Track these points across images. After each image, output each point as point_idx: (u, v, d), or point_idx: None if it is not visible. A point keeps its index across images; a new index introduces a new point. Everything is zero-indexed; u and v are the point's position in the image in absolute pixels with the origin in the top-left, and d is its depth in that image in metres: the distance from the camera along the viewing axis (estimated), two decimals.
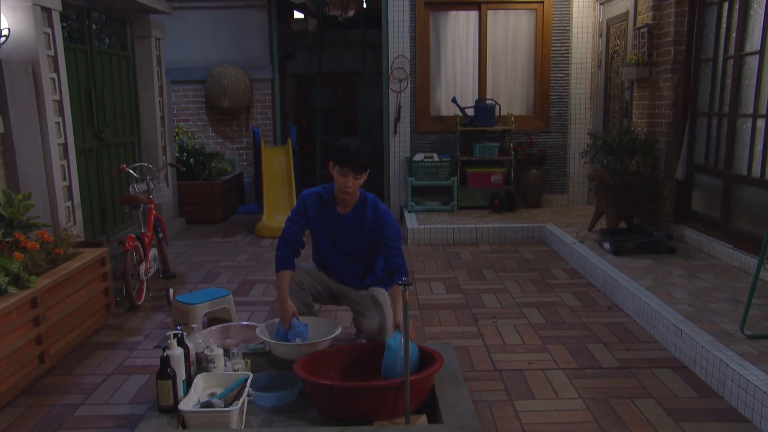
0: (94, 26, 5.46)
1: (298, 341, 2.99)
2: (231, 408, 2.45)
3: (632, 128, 5.78)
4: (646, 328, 3.81)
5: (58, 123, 4.52)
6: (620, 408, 2.88)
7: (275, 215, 6.92)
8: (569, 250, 5.40)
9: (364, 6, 9.92)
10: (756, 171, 4.48)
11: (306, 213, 3.26)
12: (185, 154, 7.60)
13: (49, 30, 4.38)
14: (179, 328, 2.76)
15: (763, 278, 4.08)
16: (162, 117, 6.60)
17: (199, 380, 2.67)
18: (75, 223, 4.68)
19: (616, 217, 5.47)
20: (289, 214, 3.31)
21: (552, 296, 4.51)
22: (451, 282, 4.93)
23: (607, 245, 5.04)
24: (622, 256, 4.89)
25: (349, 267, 3.33)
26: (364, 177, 3.12)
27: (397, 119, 7.28)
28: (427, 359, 2.77)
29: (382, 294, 3.30)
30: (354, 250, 3.29)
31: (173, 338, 2.65)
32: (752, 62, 4.51)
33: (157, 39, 6.47)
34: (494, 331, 3.85)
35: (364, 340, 3.49)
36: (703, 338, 3.24)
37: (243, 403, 2.52)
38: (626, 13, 6.34)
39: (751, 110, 4.52)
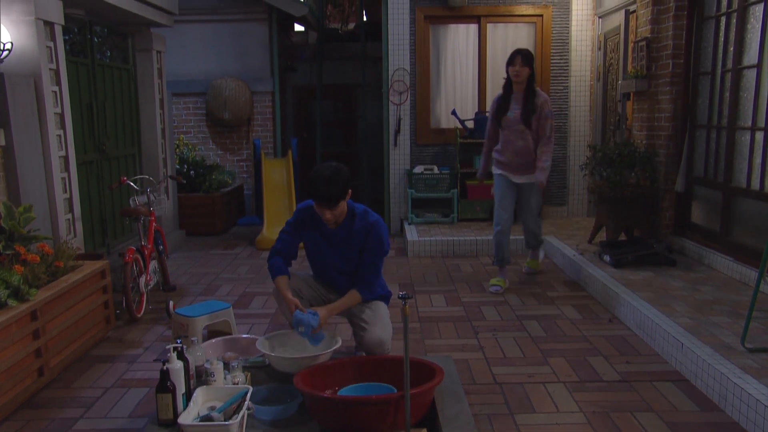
0: (95, 39, 5.50)
1: (301, 330, 3.02)
2: (231, 422, 2.44)
3: (631, 141, 5.79)
4: (647, 340, 3.80)
5: (60, 135, 4.54)
6: (621, 421, 2.87)
7: (275, 227, 6.92)
8: (569, 263, 5.40)
9: (365, 19, 9.99)
10: (755, 183, 4.49)
11: (299, 227, 3.28)
12: (186, 166, 7.62)
13: (51, 43, 4.41)
14: (179, 341, 2.75)
15: (764, 291, 4.07)
16: (163, 129, 6.62)
17: (199, 394, 2.66)
18: (75, 236, 4.69)
19: (616, 229, 5.47)
20: (284, 226, 3.32)
21: (552, 309, 4.50)
22: (451, 294, 4.92)
23: (607, 257, 5.04)
24: (622, 268, 4.89)
25: (344, 283, 3.31)
26: (342, 204, 3.09)
27: (397, 131, 7.30)
28: (427, 372, 2.76)
29: (381, 308, 3.29)
30: (349, 268, 3.27)
31: (173, 351, 2.64)
32: (750, 75, 4.53)
33: (159, 52, 6.50)
34: (494, 344, 3.85)
35: (363, 353, 3.49)
36: (704, 351, 3.23)
37: (243, 416, 2.51)
38: (619, 27, 6.40)
39: (749, 123, 4.54)
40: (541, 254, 5.49)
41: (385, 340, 3.17)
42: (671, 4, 5.27)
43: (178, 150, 7.78)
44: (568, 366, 3.50)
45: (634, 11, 6.14)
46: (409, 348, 2.48)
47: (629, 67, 6.05)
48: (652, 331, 3.73)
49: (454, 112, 7.12)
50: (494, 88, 7.44)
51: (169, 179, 6.35)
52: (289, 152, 7.59)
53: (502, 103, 4.78)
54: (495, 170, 4.96)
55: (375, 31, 8.79)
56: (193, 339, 2.99)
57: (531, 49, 7.34)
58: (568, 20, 7.22)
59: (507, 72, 4.70)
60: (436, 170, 7.14)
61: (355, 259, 3.23)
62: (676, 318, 3.75)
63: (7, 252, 3.52)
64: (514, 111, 4.71)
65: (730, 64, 4.77)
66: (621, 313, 4.21)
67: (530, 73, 4.68)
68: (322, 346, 3.11)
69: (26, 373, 3.18)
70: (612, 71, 6.66)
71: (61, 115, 4.56)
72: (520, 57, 4.64)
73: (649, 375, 3.36)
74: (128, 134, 6.14)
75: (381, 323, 3.19)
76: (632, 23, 6.18)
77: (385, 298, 3.39)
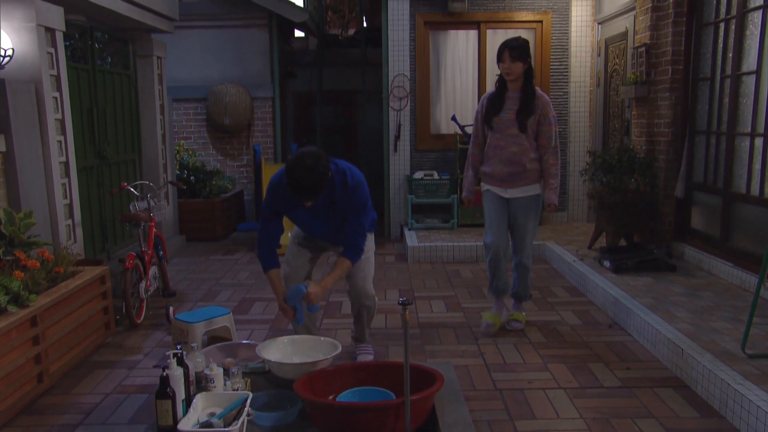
0: (96, 45, 5.51)
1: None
2: (230, 428, 2.44)
3: (631, 146, 5.80)
4: (647, 346, 3.79)
5: (60, 141, 4.54)
6: (622, 428, 2.86)
7: None
8: (569, 268, 5.39)
9: (365, 25, 10.01)
10: (755, 189, 4.50)
11: (276, 206, 3.29)
12: (186, 171, 7.62)
13: (52, 50, 4.42)
14: (179, 347, 2.75)
15: (764, 297, 4.07)
16: (163, 135, 6.63)
17: (199, 400, 2.66)
18: (75, 241, 4.69)
19: (616, 234, 5.47)
20: (262, 211, 3.34)
21: (552, 314, 4.50)
22: (451, 300, 4.92)
23: (607, 263, 5.04)
24: (622, 274, 4.89)
25: (332, 239, 3.43)
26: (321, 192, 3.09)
27: (397, 137, 7.31)
28: (427, 378, 2.76)
29: (367, 258, 3.48)
30: (333, 231, 3.35)
31: (173, 357, 2.64)
32: (749, 81, 4.54)
33: (159, 58, 6.52)
34: (494, 350, 3.84)
35: (359, 356, 3.51)
36: (704, 357, 3.23)
37: (242, 422, 2.50)
38: (625, 33, 6.39)
39: (749, 129, 4.54)
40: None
41: (368, 285, 3.50)
42: (670, 11, 5.29)
43: (178, 155, 7.78)
44: (569, 372, 3.49)
45: None
46: (409, 354, 2.48)
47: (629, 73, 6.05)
48: (653, 337, 3.72)
49: (454, 118, 7.13)
50: None
51: (169, 185, 6.35)
52: None
53: (495, 101, 3.99)
54: (482, 185, 4.22)
55: (375, 37, 8.81)
56: (192, 345, 2.98)
57: (531, 55, 7.31)
58: (568, 26, 7.23)
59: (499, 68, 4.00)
60: (436, 176, 7.15)
61: (339, 220, 3.30)
62: (677, 324, 3.75)
63: (8, 258, 3.52)
64: (508, 112, 3.93)
65: (729, 70, 4.78)
66: (621, 318, 4.21)
67: (526, 68, 3.91)
68: (323, 353, 3.10)
69: (26, 379, 3.17)
70: (616, 77, 6.66)
71: (62, 121, 4.57)
72: (507, 51, 3.85)
73: (649, 381, 3.35)
74: (128, 140, 6.15)
75: (364, 271, 3.46)
76: (638, 27, 6.18)
77: (372, 225, 3.51)
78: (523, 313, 4.28)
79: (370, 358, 3.62)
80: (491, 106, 4.01)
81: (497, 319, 4.18)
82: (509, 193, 4.04)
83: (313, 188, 2.98)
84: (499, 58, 3.92)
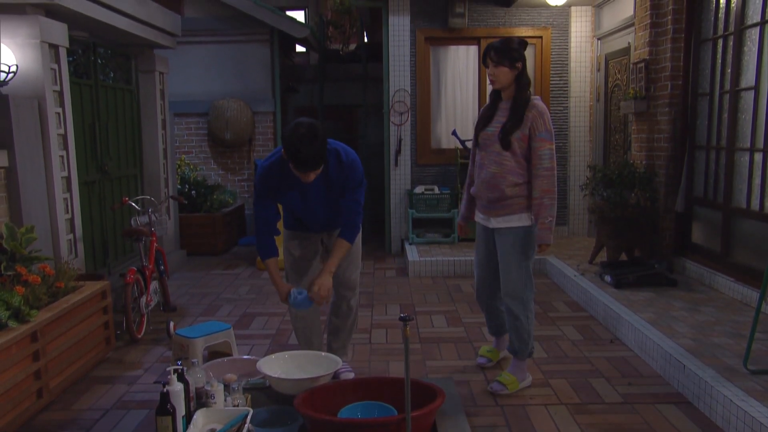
0: (99, 61, 5.55)
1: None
2: None
3: (631, 161, 5.82)
4: (649, 362, 3.78)
5: (62, 156, 4.57)
6: None
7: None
8: (570, 283, 5.39)
9: (366, 40, 10.08)
10: (755, 204, 4.50)
11: (269, 192, 3.19)
12: (187, 186, 7.65)
13: (55, 66, 4.45)
14: (179, 362, 2.75)
15: (765, 312, 4.06)
16: (164, 150, 6.66)
17: (199, 416, 2.65)
18: (77, 256, 4.69)
19: (617, 249, 5.48)
20: (254, 197, 3.25)
21: (553, 329, 4.49)
22: (452, 315, 4.91)
23: (608, 278, 5.04)
24: (623, 288, 4.88)
25: (327, 221, 3.37)
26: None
27: (398, 152, 7.34)
28: (428, 394, 2.75)
29: (353, 249, 3.42)
30: (328, 214, 3.31)
31: (173, 373, 2.63)
32: (748, 97, 4.56)
33: (161, 73, 6.56)
34: (496, 365, 3.83)
35: (341, 374, 3.47)
36: (706, 373, 3.21)
37: None
38: (627, 48, 6.42)
39: (748, 144, 4.56)
40: (528, 379, 3.52)
41: (353, 275, 3.48)
42: (669, 27, 5.32)
43: (179, 170, 7.81)
44: (570, 387, 3.48)
45: None
46: (409, 369, 2.47)
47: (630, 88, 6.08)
48: (654, 352, 3.71)
49: (454, 133, 7.16)
50: None
51: (170, 199, 6.37)
52: None
53: (486, 114, 3.45)
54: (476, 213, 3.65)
55: (376, 53, 8.86)
56: (193, 360, 2.98)
57: (530, 70, 7.35)
58: (567, 42, 7.28)
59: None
60: (436, 190, 7.16)
61: (334, 202, 3.25)
62: (678, 339, 3.74)
63: (9, 273, 3.53)
64: (496, 125, 3.35)
65: (728, 86, 4.81)
66: (622, 333, 4.20)
67: (516, 74, 3.28)
68: (324, 368, 3.09)
69: (25, 395, 3.16)
70: (618, 91, 6.68)
71: (64, 136, 4.59)
72: (490, 54, 3.28)
73: (651, 397, 3.34)
74: (130, 154, 6.18)
75: (347, 259, 3.39)
76: (637, 43, 6.21)
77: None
78: (516, 378, 3.44)
79: (351, 376, 3.53)
80: (481, 119, 3.48)
81: (495, 354, 3.83)
82: (492, 223, 3.44)
83: (315, 157, 2.89)
84: (484, 62, 3.36)
